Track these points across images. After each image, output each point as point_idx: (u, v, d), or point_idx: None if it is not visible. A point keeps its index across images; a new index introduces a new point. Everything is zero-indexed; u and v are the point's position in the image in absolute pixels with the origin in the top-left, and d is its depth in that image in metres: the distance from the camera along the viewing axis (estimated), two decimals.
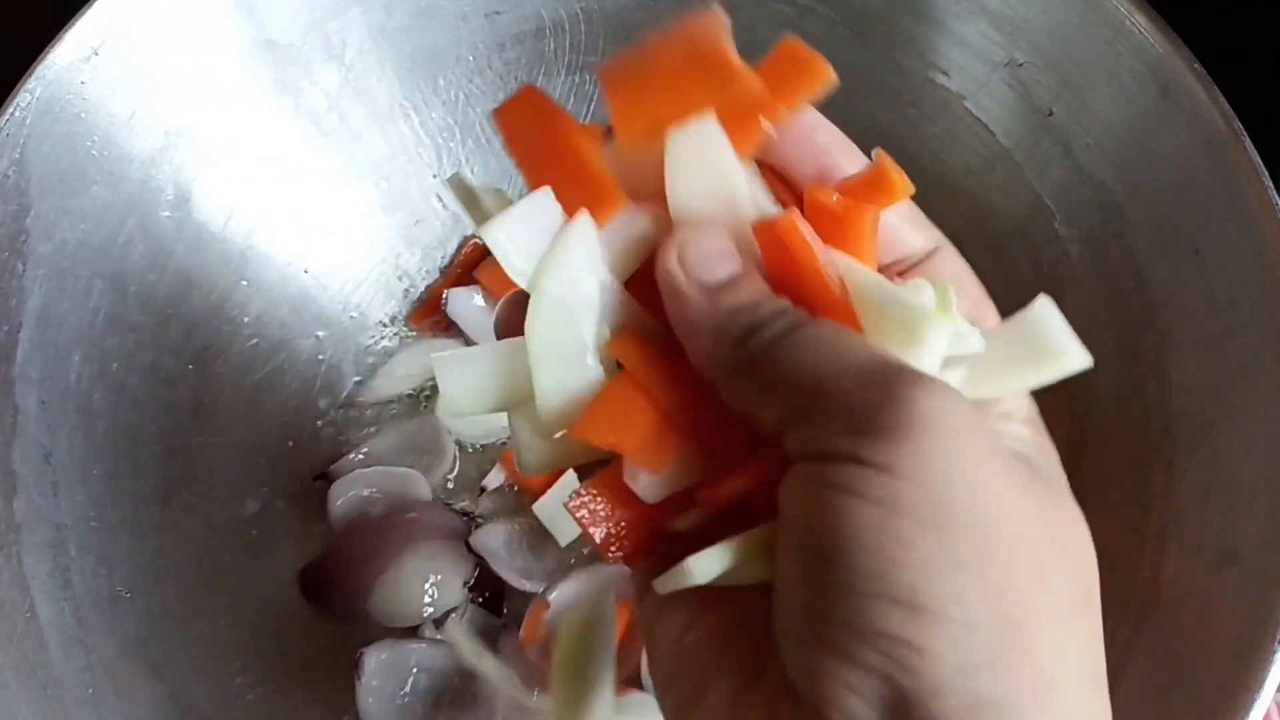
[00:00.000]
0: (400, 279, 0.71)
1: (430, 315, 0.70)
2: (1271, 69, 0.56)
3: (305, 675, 0.62)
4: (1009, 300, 0.64)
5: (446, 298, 0.68)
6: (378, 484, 0.65)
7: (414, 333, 0.71)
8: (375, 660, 0.60)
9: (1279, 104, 0.55)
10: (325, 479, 0.66)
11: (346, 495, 0.65)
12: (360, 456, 0.67)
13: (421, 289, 0.72)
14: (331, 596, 0.64)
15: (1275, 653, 0.47)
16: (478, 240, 0.71)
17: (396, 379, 0.70)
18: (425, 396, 0.70)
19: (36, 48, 0.56)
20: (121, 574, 0.58)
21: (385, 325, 0.71)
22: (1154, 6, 0.55)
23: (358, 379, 0.70)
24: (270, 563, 0.64)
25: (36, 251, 0.57)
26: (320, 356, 0.69)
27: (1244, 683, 0.47)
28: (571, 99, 0.70)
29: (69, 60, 0.57)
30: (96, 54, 0.57)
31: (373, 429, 0.69)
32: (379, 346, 0.70)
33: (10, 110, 0.55)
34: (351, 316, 0.70)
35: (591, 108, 0.71)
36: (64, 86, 0.57)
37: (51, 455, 0.57)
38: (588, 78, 0.70)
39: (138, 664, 0.56)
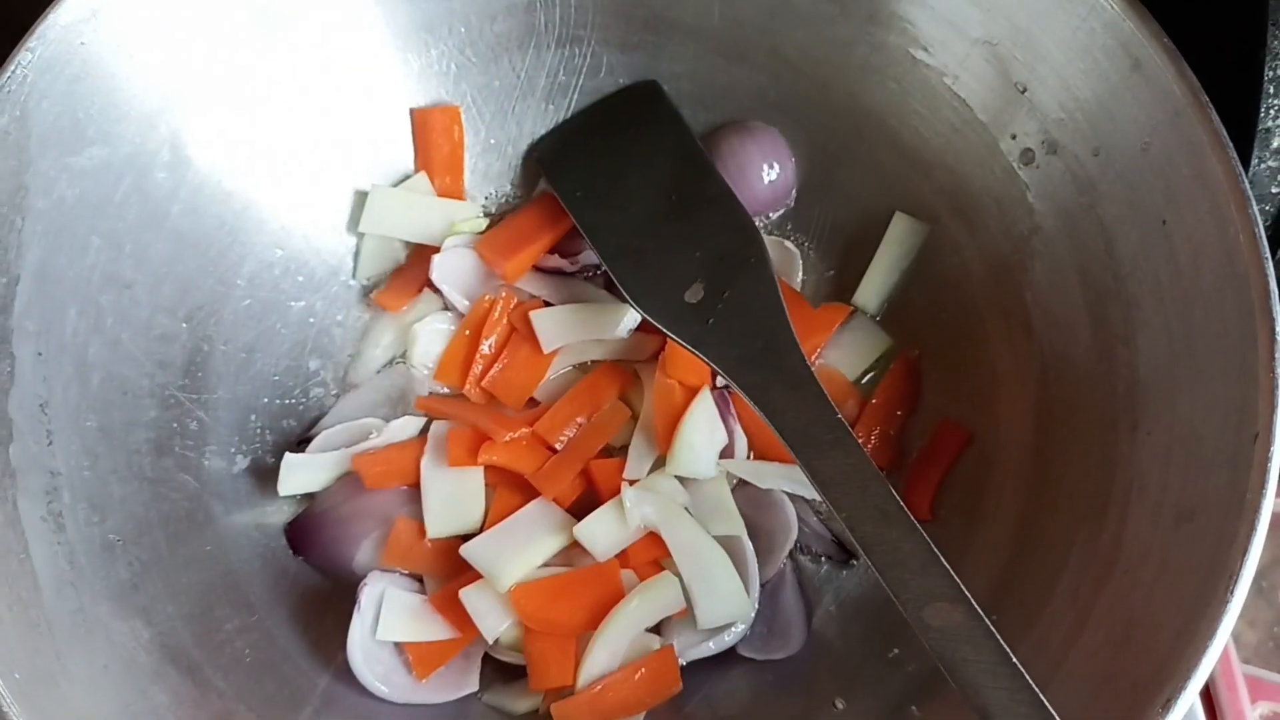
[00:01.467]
0: (389, 243, 0.72)
1: (402, 289, 0.72)
2: (1235, 42, 0.57)
3: (293, 624, 0.63)
4: (984, 270, 0.66)
5: (433, 264, 0.70)
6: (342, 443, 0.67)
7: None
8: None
9: (1243, 76, 0.57)
10: (308, 443, 0.68)
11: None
12: (334, 417, 0.69)
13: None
14: (318, 551, 0.65)
15: (1228, 603, 0.48)
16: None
17: (381, 349, 0.71)
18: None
19: (39, 6, 0.57)
20: (114, 521, 0.59)
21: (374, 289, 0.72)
22: None
23: (346, 344, 0.71)
24: (259, 516, 0.66)
25: (35, 207, 0.58)
26: (311, 319, 0.70)
27: (1198, 632, 0.48)
28: (561, 72, 0.72)
29: (70, 20, 0.58)
30: (97, 14, 0.59)
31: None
32: (368, 311, 0.72)
33: (12, 68, 0.57)
34: (342, 280, 0.71)
35: (580, 80, 0.72)
36: (65, 46, 0.58)
37: (47, 405, 0.58)
38: (577, 50, 0.71)
39: (128, 608, 0.57)
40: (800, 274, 0.72)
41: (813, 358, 0.69)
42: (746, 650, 0.63)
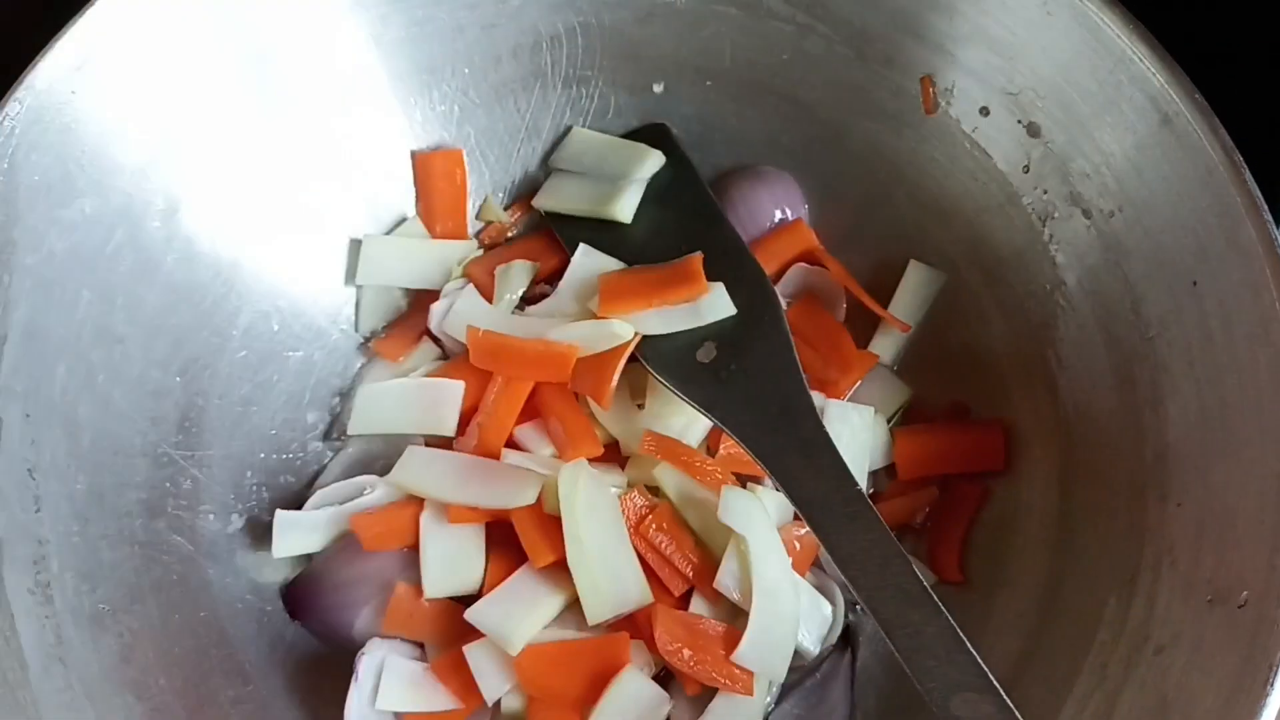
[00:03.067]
0: (389, 292, 0.70)
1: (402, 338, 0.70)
2: (1269, 101, 0.55)
3: (290, 693, 0.61)
4: (1004, 324, 0.64)
5: (431, 313, 0.67)
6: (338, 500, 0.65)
7: None
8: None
9: (1276, 135, 0.55)
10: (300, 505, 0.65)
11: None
12: (331, 474, 0.67)
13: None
14: (316, 618, 0.63)
15: (1268, 695, 0.46)
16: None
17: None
18: None
19: (27, 56, 0.55)
20: (104, 590, 0.57)
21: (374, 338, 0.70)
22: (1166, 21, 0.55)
23: (344, 393, 0.69)
24: (255, 580, 0.63)
25: (23, 263, 0.56)
26: (309, 371, 0.68)
27: None
28: (568, 112, 0.70)
29: (59, 70, 0.56)
30: (87, 64, 0.57)
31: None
32: (367, 361, 0.70)
33: None
34: (341, 329, 0.69)
35: (586, 122, 0.70)
36: (53, 96, 0.56)
37: (35, 470, 0.56)
38: (584, 92, 0.69)
39: (118, 683, 0.55)
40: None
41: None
42: None
